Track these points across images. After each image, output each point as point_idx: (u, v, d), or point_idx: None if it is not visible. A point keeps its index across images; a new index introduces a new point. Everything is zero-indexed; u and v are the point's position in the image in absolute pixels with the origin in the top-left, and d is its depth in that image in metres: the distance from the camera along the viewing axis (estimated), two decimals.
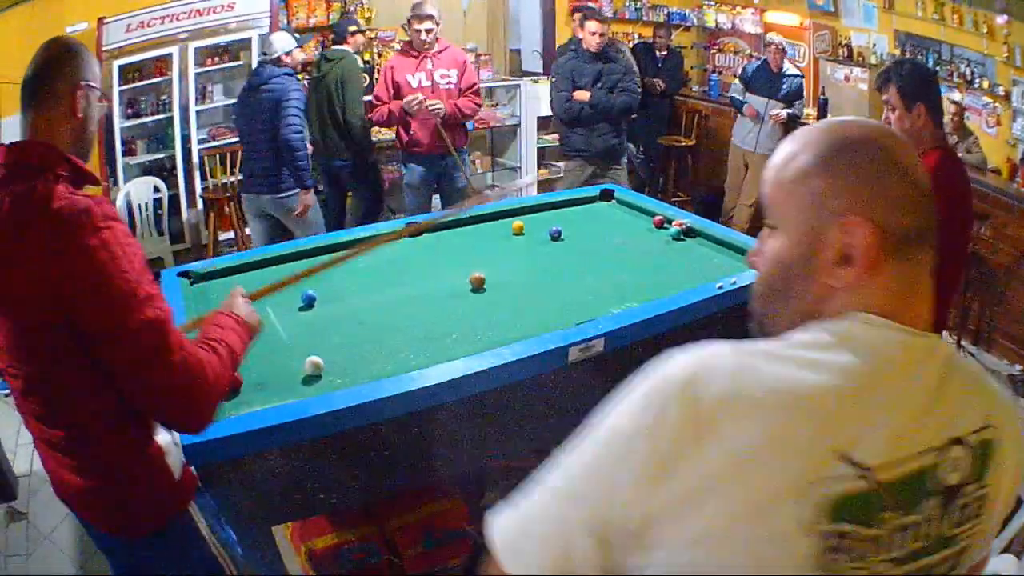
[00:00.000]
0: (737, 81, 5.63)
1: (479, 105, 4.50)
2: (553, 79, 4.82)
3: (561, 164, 5.00)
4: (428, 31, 4.18)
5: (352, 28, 4.84)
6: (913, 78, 2.14)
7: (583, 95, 4.61)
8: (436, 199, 4.73)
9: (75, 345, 1.32)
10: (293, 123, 4.06)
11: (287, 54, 4.21)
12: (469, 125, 5.35)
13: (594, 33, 4.57)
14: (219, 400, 1.44)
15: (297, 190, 4.19)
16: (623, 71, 4.73)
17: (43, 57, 1.40)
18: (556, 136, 6.28)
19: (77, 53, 1.43)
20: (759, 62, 5.39)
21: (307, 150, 4.21)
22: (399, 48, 4.69)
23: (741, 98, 5.37)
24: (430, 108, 4.12)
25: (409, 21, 4.26)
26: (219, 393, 1.43)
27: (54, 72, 1.38)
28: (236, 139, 5.25)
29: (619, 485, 0.71)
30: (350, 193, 4.92)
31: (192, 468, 1.65)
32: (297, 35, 4.81)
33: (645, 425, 0.72)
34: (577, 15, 5.28)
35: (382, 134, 5.26)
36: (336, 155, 4.63)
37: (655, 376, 0.77)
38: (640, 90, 4.80)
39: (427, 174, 4.43)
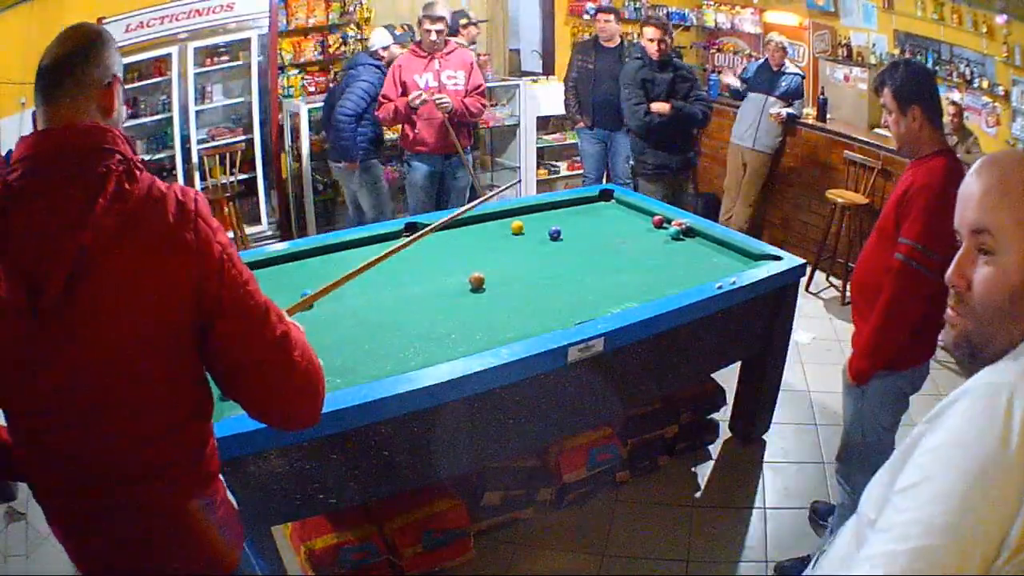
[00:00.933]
0: (737, 79, 5.64)
1: (484, 106, 4.50)
2: (624, 89, 4.53)
3: (643, 184, 4.70)
4: (439, 32, 4.17)
5: (464, 21, 5.03)
6: (907, 80, 2.10)
7: (662, 107, 4.35)
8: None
9: (190, 355, 1.19)
10: (345, 106, 4.44)
11: (384, 48, 4.61)
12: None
13: (652, 40, 4.32)
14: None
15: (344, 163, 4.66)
16: (693, 79, 4.51)
17: (73, 44, 1.19)
18: (555, 136, 6.30)
19: (109, 42, 1.24)
20: (761, 61, 5.39)
21: (351, 130, 4.48)
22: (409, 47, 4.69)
23: (739, 89, 5.43)
24: (438, 103, 4.14)
25: (420, 21, 4.25)
26: (324, 383, 1.32)
27: (88, 62, 1.19)
28: (235, 139, 5.27)
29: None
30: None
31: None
32: (398, 32, 5.14)
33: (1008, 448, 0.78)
34: (602, 15, 5.18)
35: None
36: None
37: (989, 412, 0.81)
38: (709, 104, 4.57)
39: (430, 173, 4.44)
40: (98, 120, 1.20)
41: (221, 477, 1.39)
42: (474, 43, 5.26)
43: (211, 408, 1.32)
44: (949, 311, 0.96)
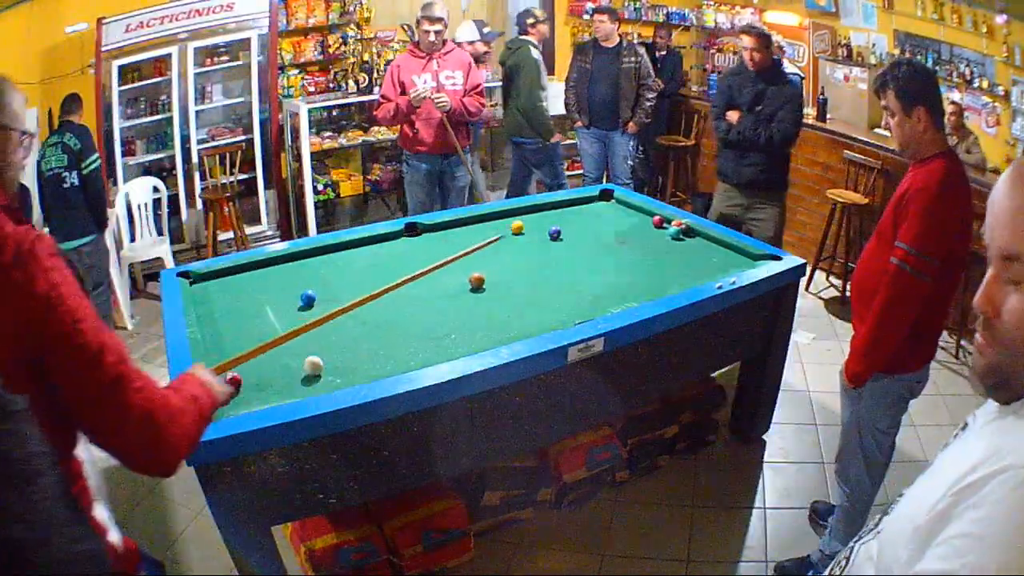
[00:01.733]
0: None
1: (483, 105, 4.52)
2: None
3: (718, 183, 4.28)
4: (437, 33, 4.18)
5: (531, 20, 5.13)
6: (911, 80, 2.07)
7: (732, 115, 4.00)
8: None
9: (42, 397, 1.21)
10: None
11: (470, 43, 4.88)
12: (478, 125, 5.39)
13: (745, 49, 3.99)
14: (186, 441, 1.33)
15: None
16: (788, 99, 3.91)
17: None
18: (555, 136, 6.29)
19: None
20: None
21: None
22: (405, 47, 4.68)
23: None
24: (437, 102, 4.14)
25: (418, 21, 4.25)
26: (183, 432, 1.33)
27: None
28: (235, 139, 5.27)
29: None
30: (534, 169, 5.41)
31: (132, 542, 1.49)
32: (487, 30, 5.42)
33: None
34: (597, 15, 5.18)
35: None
36: (517, 133, 5.20)
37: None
38: (789, 129, 3.92)
39: (430, 173, 4.45)
40: None
41: (100, 517, 1.39)
42: (546, 36, 5.30)
43: (70, 447, 1.31)
44: (978, 337, 0.88)
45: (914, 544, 0.82)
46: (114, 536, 1.42)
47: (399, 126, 4.40)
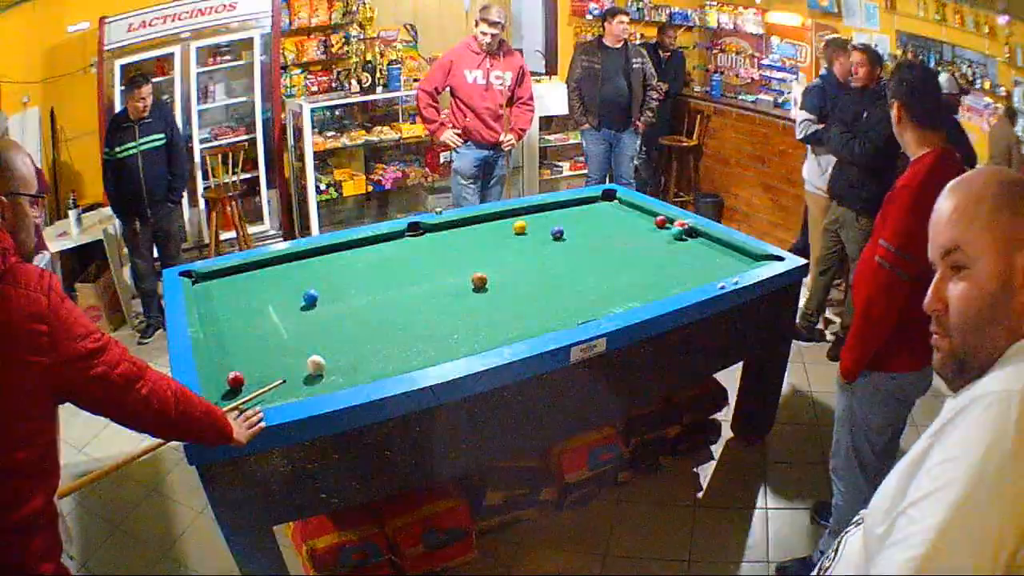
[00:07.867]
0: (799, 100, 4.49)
1: (530, 119, 4.81)
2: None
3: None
4: (493, 36, 4.43)
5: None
6: (896, 77, 2.18)
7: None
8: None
9: None
10: None
11: None
12: None
13: (854, 63, 3.97)
14: None
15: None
16: (878, 119, 3.55)
17: None
18: (558, 136, 6.29)
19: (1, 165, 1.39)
20: (819, 82, 4.44)
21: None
22: (409, 48, 4.76)
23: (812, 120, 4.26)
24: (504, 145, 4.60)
25: (477, 22, 4.50)
26: None
27: None
28: (238, 139, 5.27)
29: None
30: None
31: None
32: None
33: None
34: (622, 16, 5.12)
35: None
36: None
37: (1002, 418, 0.82)
38: (875, 144, 3.60)
39: (477, 162, 4.62)
40: None
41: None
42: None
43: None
44: (934, 336, 0.98)
45: (893, 492, 0.88)
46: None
47: (452, 115, 4.62)
